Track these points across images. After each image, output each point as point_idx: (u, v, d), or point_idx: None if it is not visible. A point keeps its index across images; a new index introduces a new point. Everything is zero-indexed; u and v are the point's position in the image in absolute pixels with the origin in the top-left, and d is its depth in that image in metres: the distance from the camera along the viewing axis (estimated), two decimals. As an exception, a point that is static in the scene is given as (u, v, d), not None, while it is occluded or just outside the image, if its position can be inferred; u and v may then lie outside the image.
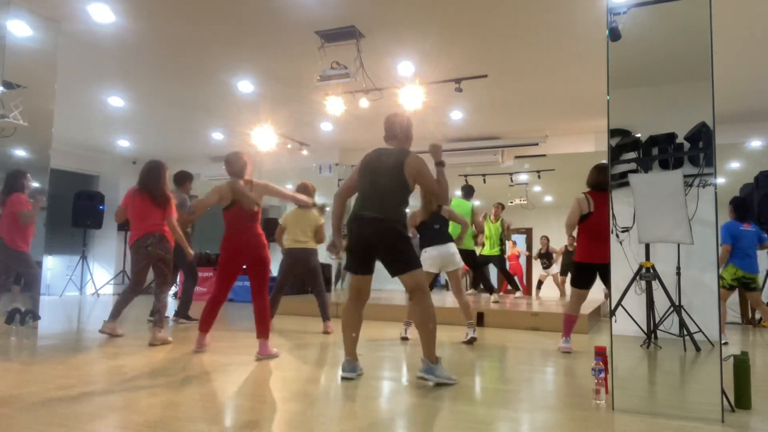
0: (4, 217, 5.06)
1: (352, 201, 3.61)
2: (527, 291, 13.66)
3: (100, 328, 4.95)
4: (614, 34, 2.94)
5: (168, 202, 4.93)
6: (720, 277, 4.76)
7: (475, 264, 7.75)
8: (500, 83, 6.79)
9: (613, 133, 2.99)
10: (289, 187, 5.96)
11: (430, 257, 5.01)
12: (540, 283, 11.89)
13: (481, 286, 9.62)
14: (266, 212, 16.29)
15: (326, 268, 11.55)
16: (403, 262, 3.35)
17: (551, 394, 3.18)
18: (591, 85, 6.69)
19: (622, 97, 2.94)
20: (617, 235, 2.93)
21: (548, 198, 14.54)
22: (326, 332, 5.65)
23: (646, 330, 2.95)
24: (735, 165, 9.97)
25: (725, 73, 6.11)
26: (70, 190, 10.85)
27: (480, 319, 6.51)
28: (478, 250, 9.49)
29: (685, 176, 2.83)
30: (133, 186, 4.99)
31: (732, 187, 8.59)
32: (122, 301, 4.94)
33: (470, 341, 5.03)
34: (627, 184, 2.96)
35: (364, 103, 6.53)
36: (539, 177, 11.22)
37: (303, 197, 4.88)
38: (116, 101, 7.85)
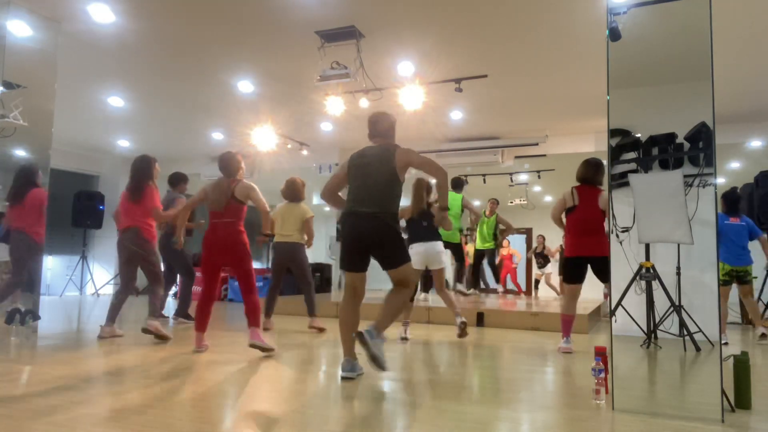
0: (28, 210, 5.05)
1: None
2: (528, 291, 13.69)
3: (99, 334, 4.93)
4: (614, 34, 2.94)
5: (140, 195, 4.91)
6: None
7: (461, 256, 7.84)
8: (500, 83, 6.79)
9: (613, 133, 2.99)
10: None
11: (416, 253, 5.08)
12: (536, 282, 11.90)
13: (482, 285, 9.65)
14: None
15: (326, 267, 11.57)
16: (395, 258, 3.42)
17: (551, 394, 3.19)
18: (591, 85, 6.68)
19: (622, 97, 2.94)
20: (617, 235, 2.92)
21: (548, 198, 14.54)
22: (311, 327, 5.70)
23: (646, 330, 2.95)
24: (735, 165, 9.97)
25: (725, 73, 6.11)
26: (70, 190, 10.85)
27: (480, 319, 6.52)
28: (473, 246, 9.54)
29: (685, 176, 2.83)
30: None
31: (732, 187, 8.58)
32: (115, 303, 4.97)
33: (462, 329, 5.09)
34: (627, 184, 2.96)
35: (364, 103, 6.53)
36: (539, 177, 11.22)
37: (264, 222, 4.55)
38: (116, 101, 7.85)
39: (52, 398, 2.78)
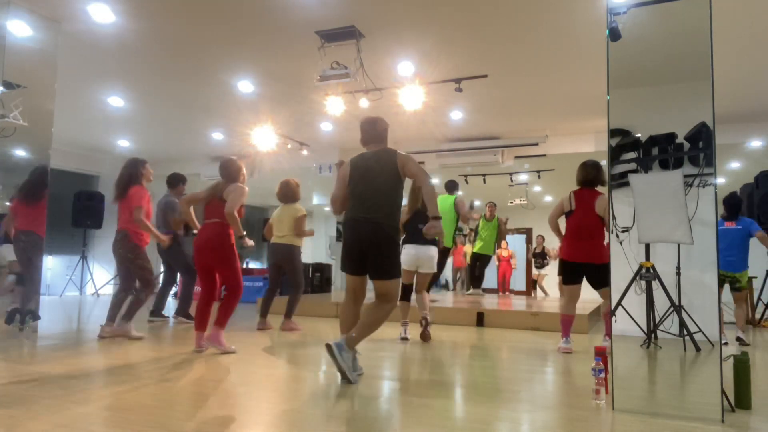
0: (40, 211, 5.09)
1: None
2: (528, 292, 13.69)
3: (99, 334, 4.93)
4: (614, 34, 2.94)
5: (123, 195, 4.91)
6: None
7: (442, 264, 7.75)
8: (500, 83, 6.79)
9: (613, 133, 2.99)
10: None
11: (407, 254, 5.09)
12: (535, 282, 11.91)
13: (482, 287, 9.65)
14: (266, 212, 16.30)
15: (326, 267, 11.57)
16: (385, 269, 3.42)
17: (551, 394, 3.19)
18: (591, 85, 6.68)
19: (622, 97, 2.94)
20: (617, 235, 2.92)
21: (548, 198, 14.54)
22: (284, 329, 5.69)
23: (646, 330, 2.95)
24: (735, 165, 9.97)
25: (725, 73, 6.11)
26: (70, 190, 10.85)
27: (480, 319, 6.52)
28: (471, 248, 9.53)
29: (685, 176, 2.83)
30: None
31: (732, 187, 8.55)
32: (115, 302, 5.00)
33: (425, 327, 5.08)
34: (627, 184, 2.96)
35: (364, 103, 6.53)
36: (539, 177, 11.21)
37: (232, 225, 4.27)
38: (116, 101, 7.85)
39: (52, 398, 2.78)
